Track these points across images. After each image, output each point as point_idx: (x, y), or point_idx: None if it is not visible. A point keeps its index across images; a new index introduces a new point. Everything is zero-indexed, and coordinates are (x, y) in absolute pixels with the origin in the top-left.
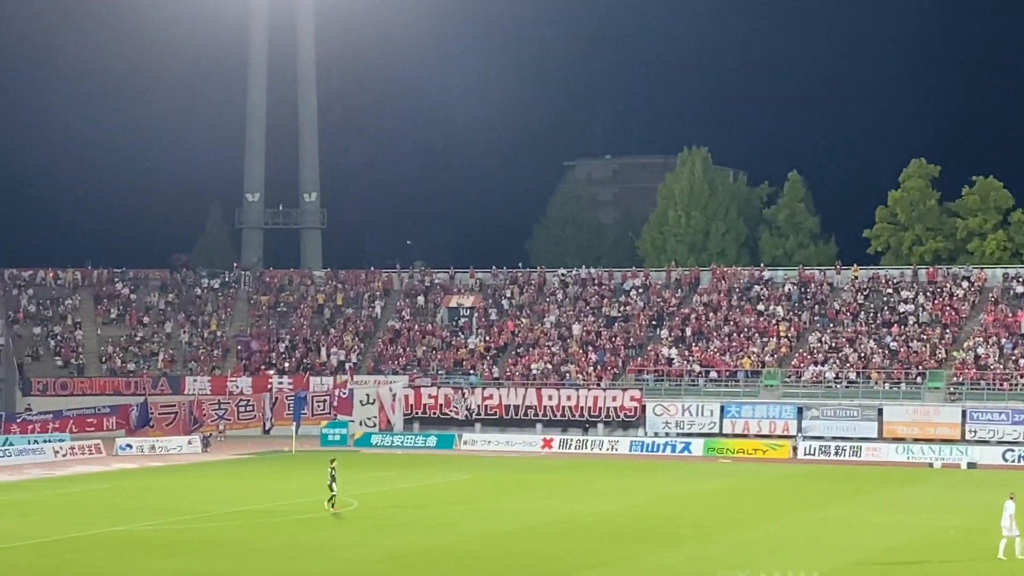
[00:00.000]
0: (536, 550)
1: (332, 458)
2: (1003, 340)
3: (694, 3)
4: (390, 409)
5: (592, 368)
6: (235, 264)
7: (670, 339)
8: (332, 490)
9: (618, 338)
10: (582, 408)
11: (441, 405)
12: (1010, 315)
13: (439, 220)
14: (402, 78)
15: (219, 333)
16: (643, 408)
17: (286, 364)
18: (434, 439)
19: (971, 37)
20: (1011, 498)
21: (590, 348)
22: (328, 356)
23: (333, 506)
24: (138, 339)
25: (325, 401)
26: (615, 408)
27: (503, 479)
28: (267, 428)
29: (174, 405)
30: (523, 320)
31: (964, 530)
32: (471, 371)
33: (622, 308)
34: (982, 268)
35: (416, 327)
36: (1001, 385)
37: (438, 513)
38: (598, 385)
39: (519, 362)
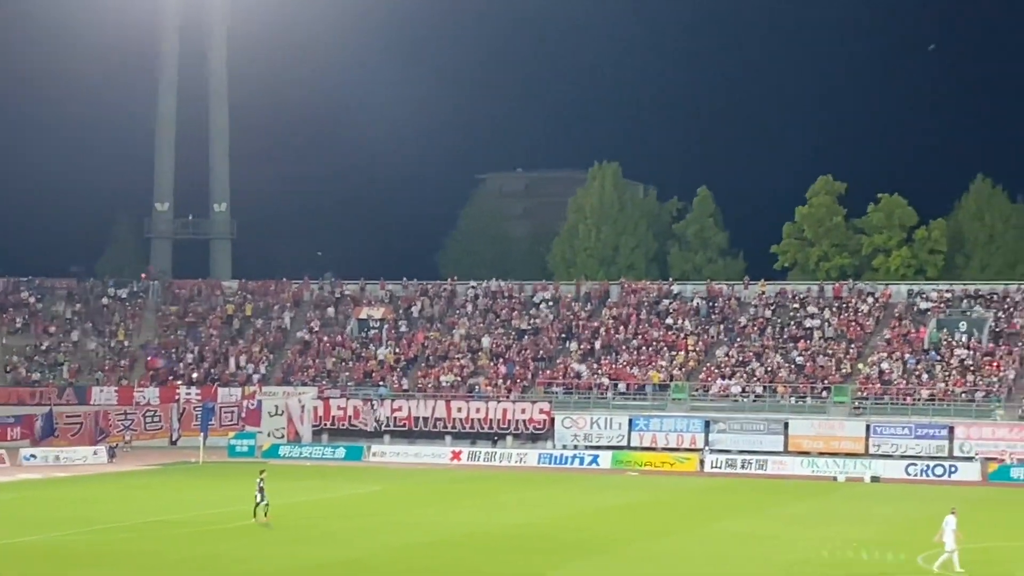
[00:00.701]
0: (452, 562)
1: (262, 469)
2: (906, 355)
3: (605, 18)
4: (299, 420)
5: (501, 381)
6: (143, 274)
7: (579, 352)
8: (259, 499)
9: (528, 351)
10: (491, 420)
11: (350, 417)
12: (913, 331)
13: (350, 231)
14: (314, 88)
15: (126, 343)
16: (552, 421)
17: (194, 375)
18: (343, 451)
19: (875, 55)
20: (952, 513)
21: (500, 361)
22: (237, 367)
23: (266, 515)
24: (43, 349)
25: (233, 412)
26: (524, 421)
27: (414, 491)
28: (174, 439)
29: (80, 415)
30: (433, 332)
31: (867, 543)
32: (380, 383)
33: (532, 321)
34: (887, 284)
35: (326, 338)
36: (904, 400)
37: (352, 524)
38: (507, 398)
39: (429, 374)
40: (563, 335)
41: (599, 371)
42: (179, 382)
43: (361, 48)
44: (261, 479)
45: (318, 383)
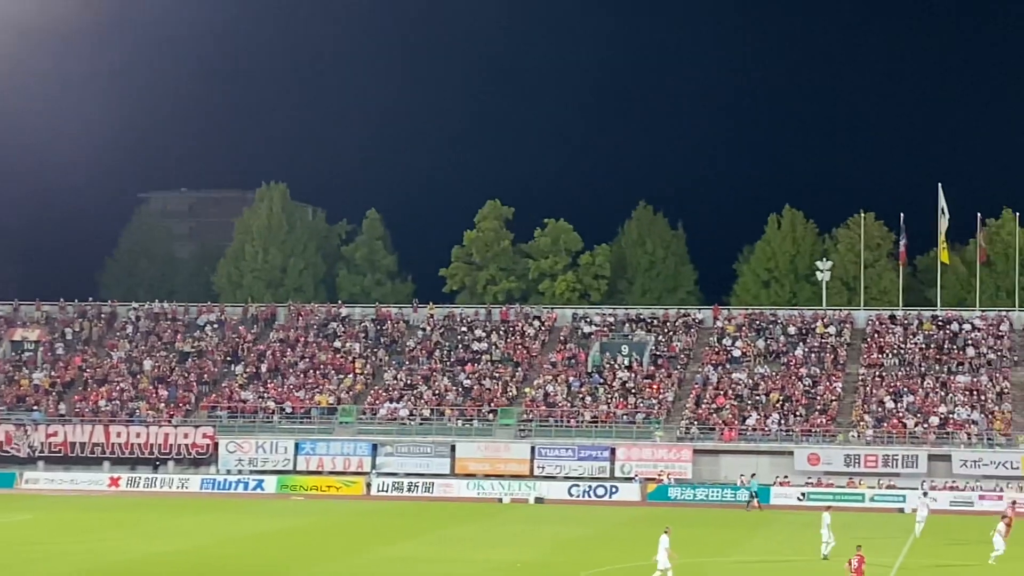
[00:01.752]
0: None
1: None
2: (571, 379)
3: (269, 37)
4: None
5: (163, 405)
6: None
7: (245, 375)
8: None
9: (191, 374)
10: (152, 445)
11: (2, 443)
12: (578, 354)
13: (2, 250)
14: None
15: None
16: (216, 445)
17: None
18: None
19: (536, 82)
20: (666, 532)
21: (161, 384)
22: None
23: None
24: None
25: None
26: (187, 445)
27: (68, 519)
28: None
29: None
30: (91, 355)
31: (530, 564)
32: (35, 407)
33: (196, 344)
34: (552, 308)
35: None
36: (568, 422)
37: None
38: (169, 422)
39: (86, 398)
40: (228, 358)
41: (265, 394)
42: None
43: (19, 60)
44: None
45: None
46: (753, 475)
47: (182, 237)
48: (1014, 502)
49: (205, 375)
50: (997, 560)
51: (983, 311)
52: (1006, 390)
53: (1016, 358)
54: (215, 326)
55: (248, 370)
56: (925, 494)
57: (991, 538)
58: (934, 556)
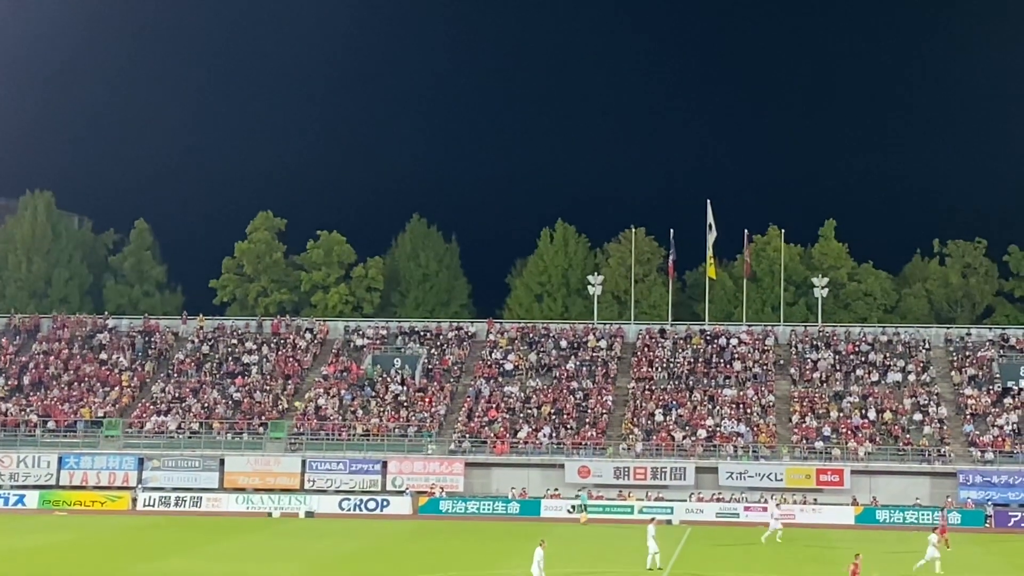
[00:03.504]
0: None
1: None
2: (343, 391)
3: (31, 40)
4: None
5: None
6: None
7: (7, 388)
8: None
9: None
10: None
11: None
12: (350, 367)
13: None
14: None
15: None
16: None
17: None
18: None
19: (313, 92)
20: (541, 545)
21: None
22: None
23: None
24: None
25: None
26: None
27: None
28: None
29: None
30: None
31: None
32: None
33: None
34: (325, 320)
35: None
36: (340, 435)
37: None
38: None
39: None
40: None
41: (28, 407)
42: None
43: None
44: None
45: None
46: (583, 489)
47: None
48: (944, 509)
49: None
50: (941, 567)
51: (749, 325)
52: (770, 403)
53: (779, 372)
54: None
55: (10, 382)
56: (778, 505)
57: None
58: (701, 563)
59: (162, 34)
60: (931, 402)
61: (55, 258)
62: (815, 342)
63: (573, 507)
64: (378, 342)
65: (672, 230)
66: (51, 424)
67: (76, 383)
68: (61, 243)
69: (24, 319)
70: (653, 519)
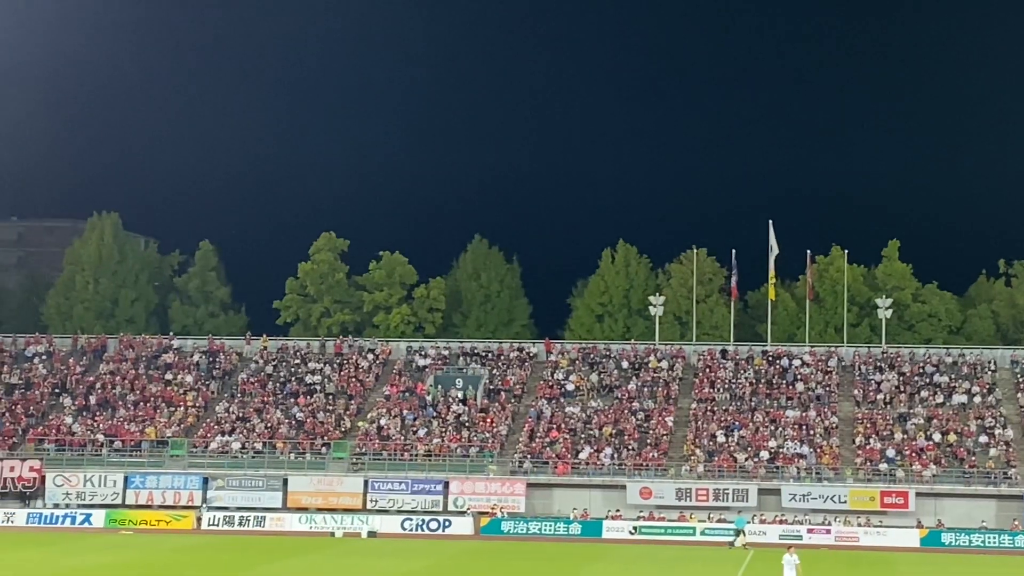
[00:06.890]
0: None
1: None
2: (405, 412)
3: (99, 65)
4: None
5: None
6: None
7: (74, 407)
8: None
9: (19, 406)
10: None
11: None
12: (412, 387)
13: None
14: None
15: None
16: (43, 479)
17: None
18: None
19: (374, 114)
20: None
21: None
22: None
23: None
24: None
25: None
26: (13, 479)
27: None
28: None
29: None
30: None
31: None
32: None
33: (24, 375)
34: (387, 341)
35: None
36: (402, 455)
37: None
38: None
39: None
40: (56, 390)
41: (94, 427)
42: None
43: None
44: None
45: None
46: (740, 512)
47: (10, 267)
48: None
49: (32, 407)
50: None
51: (812, 346)
52: (833, 425)
53: (843, 393)
54: (43, 357)
55: (77, 402)
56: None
57: None
58: None
59: (230, 58)
60: (997, 424)
61: (121, 279)
62: (879, 363)
63: (732, 532)
64: (440, 362)
65: (734, 250)
66: (117, 444)
67: (142, 403)
68: (127, 264)
69: (91, 339)
70: (790, 547)
